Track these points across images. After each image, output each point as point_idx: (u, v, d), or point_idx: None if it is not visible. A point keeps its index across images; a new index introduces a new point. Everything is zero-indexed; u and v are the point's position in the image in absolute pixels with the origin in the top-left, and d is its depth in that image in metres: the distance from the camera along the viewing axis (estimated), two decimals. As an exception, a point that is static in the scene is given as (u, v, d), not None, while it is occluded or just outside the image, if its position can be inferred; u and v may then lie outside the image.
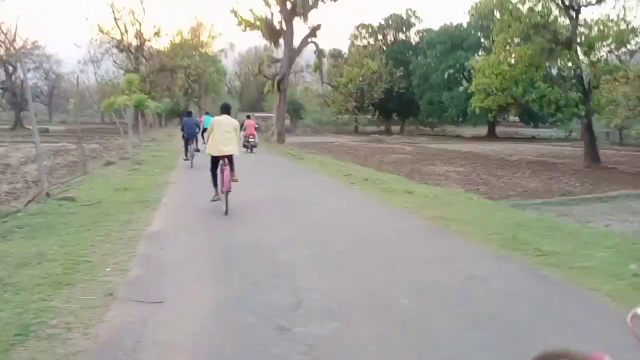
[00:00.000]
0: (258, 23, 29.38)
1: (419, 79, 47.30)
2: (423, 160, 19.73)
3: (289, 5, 28.39)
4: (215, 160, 7.83)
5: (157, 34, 50.35)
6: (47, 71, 59.83)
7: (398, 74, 50.52)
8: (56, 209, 7.21)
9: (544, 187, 13.59)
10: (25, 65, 44.51)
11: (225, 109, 8.09)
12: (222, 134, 7.59)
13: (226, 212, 7.31)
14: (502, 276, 4.48)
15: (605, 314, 3.53)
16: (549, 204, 10.77)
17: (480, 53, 40.30)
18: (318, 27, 29.25)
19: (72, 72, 51.46)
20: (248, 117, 21.84)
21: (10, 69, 47.14)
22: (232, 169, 7.70)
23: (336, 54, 53.12)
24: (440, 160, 19.96)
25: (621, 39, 20.01)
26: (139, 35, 49.31)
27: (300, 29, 61.08)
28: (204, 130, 15.16)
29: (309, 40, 29.90)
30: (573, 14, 20.84)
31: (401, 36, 55.50)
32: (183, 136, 15.68)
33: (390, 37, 55.54)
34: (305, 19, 28.71)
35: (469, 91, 25.21)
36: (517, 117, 49.05)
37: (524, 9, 21.16)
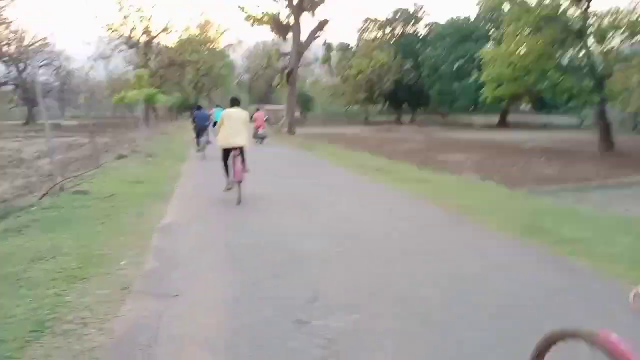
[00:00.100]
0: (266, 18, 29.29)
1: (428, 70, 46.87)
2: (435, 149, 19.50)
3: (296, 1, 28.20)
4: (226, 152, 7.89)
5: (165, 30, 50.39)
6: (57, 68, 60.19)
7: (407, 66, 50.09)
8: (70, 203, 7.21)
9: (559, 174, 13.37)
10: (36, 63, 44.89)
11: (235, 102, 8.15)
12: (232, 126, 7.69)
13: (238, 202, 7.40)
14: (524, 265, 4.37)
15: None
16: (565, 191, 10.61)
17: (489, 44, 39.85)
18: (326, 21, 29.13)
19: (81, 67, 51.67)
20: (257, 109, 22.06)
21: (22, 66, 47.50)
22: (243, 160, 7.78)
23: (344, 47, 52.69)
24: (453, 149, 19.71)
25: (634, 29, 19.73)
26: (147, 31, 49.38)
27: (308, 22, 60.70)
28: (215, 123, 15.26)
29: (317, 34, 29.76)
30: (584, 4, 20.48)
31: (409, 29, 54.93)
32: (194, 128, 15.95)
33: (398, 30, 55.00)
34: (313, 13, 28.63)
35: (479, 81, 24.96)
36: (529, 105, 48.41)
37: (533, 0, 20.90)
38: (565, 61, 23.48)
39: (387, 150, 17.87)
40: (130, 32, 48.49)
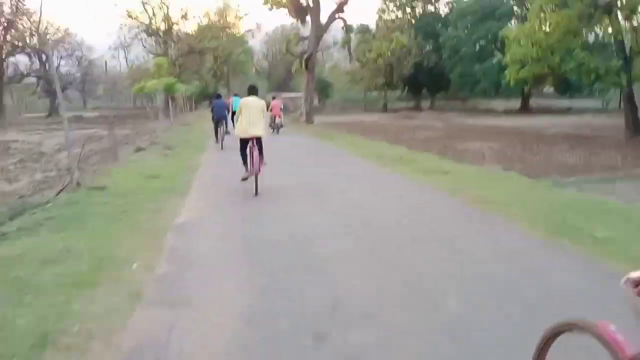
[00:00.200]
0: (284, 1, 28.86)
1: (449, 52, 45.64)
2: (455, 137, 18.97)
3: (315, -18, 27.72)
4: (244, 142, 7.86)
5: (184, 16, 50.43)
6: (79, 58, 60.85)
7: (428, 48, 49.07)
8: (86, 199, 7.12)
9: (583, 162, 12.79)
10: (56, 54, 45.39)
11: (252, 90, 8.09)
12: (250, 115, 7.63)
13: (256, 193, 7.44)
14: (558, 269, 4.05)
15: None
16: (590, 181, 10.11)
17: (513, 22, 38.61)
18: (345, 1, 28.53)
19: (101, 57, 52.14)
20: (274, 97, 21.99)
21: (44, 57, 48.04)
22: (261, 153, 7.72)
23: (364, 30, 51.79)
24: (473, 137, 19.15)
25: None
26: (166, 18, 49.49)
27: (326, 4, 59.70)
28: (234, 113, 15.19)
29: (336, 16, 29.20)
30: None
31: (430, 8, 53.64)
32: (213, 118, 15.80)
33: (418, 10, 53.75)
34: (333, -6, 28.11)
35: (503, 63, 24.13)
36: (551, 89, 46.95)
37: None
38: (592, 39, 22.49)
39: (405, 139, 17.45)
40: (150, 20, 48.67)
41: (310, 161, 12.15)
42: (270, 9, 29.32)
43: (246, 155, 7.85)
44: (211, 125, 16.53)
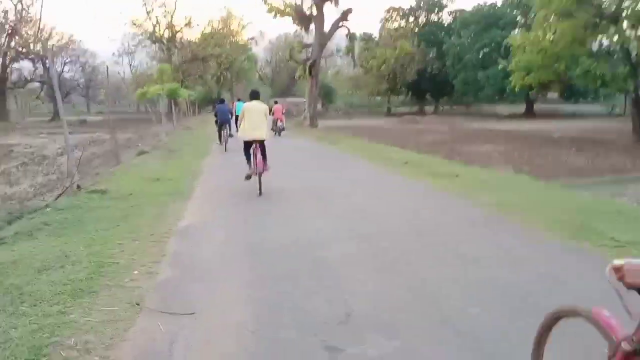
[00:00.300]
0: (288, 10, 28.89)
1: (452, 59, 45.61)
2: (461, 141, 18.75)
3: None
4: (247, 144, 8.12)
5: (187, 24, 50.53)
6: (83, 64, 61.03)
7: (431, 55, 49.08)
8: (86, 203, 6.93)
9: (591, 165, 12.58)
10: (56, 60, 45.45)
11: (255, 95, 8.29)
12: (253, 119, 7.83)
13: (260, 194, 7.60)
14: (582, 276, 3.83)
15: None
16: (600, 184, 9.93)
17: (516, 31, 38.51)
18: (349, 10, 28.56)
19: (102, 63, 52.21)
20: (275, 102, 22.86)
21: (48, 62, 48.13)
22: (264, 158, 7.88)
23: (367, 38, 51.81)
24: (479, 140, 18.93)
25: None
26: (170, 26, 49.59)
27: (330, 13, 59.85)
28: (237, 117, 15.32)
29: (340, 24, 29.17)
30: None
31: (433, 17, 53.70)
32: (216, 122, 16.37)
33: (422, 19, 53.83)
34: (337, 3, 28.14)
35: (508, 69, 23.98)
36: (555, 94, 46.74)
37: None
38: (598, 47, 22.39)
39: (411, 143, 17.26)
40: (154, 27, 48.78)
41: (314, 165, 11.94)
42: (274, 17, 29.32)
43: (250, 154, 8.06)
44: (214, 129, 16.96)
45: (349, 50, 32.45)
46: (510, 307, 3.28)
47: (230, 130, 15.95)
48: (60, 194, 7.61)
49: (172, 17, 49.17)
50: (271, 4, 28.81)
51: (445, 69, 47.45)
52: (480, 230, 5.43)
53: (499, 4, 44.92)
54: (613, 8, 19.42)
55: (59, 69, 55.91)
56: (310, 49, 30.27)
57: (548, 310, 2.11)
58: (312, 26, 29.30)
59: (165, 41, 49.86)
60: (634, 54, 20.01)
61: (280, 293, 3.60)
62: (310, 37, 31.51)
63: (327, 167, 11.46)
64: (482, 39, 42.22)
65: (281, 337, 2.90)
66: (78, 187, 7.95)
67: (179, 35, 50.75)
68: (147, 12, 47.86)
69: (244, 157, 8.30)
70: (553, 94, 48.81)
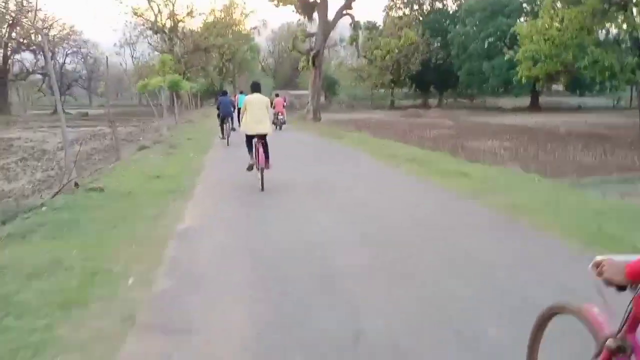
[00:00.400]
0: (291, -3, 28.47)
1: (457, 49, 44.98)
2: (466, 136, 18.44)
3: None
4: (249, 137, 8.06)
5: (189, 14, 50.08)
6: (84, 55, 60.65)
7: (435, 45, 48.51)
8: (83, 202, 6.71)
9: (599, 162, 12.29)
10: (57, 51, 45.16)
11: (256, 87, 8.24)
12: (255, 112, 7.77)
13: (262, 189, 7.55)
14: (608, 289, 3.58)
15: None
16: (609, 182, 9.65)
17: (522, 19, 37.90)
18: (354, -4, 28.02)
19: (103, 54, 51.97)
20: (277, 95, 22.88)
21: (49, 54, 47.86)
22: (267, 156, 7.75)
23: (371, 26, 51.19)
24: (484, 135, 18.60)
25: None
26: (172, 15, 49.15)
27: (334, 0, 59.25)
28: (239, 110, 15.19)
29: (344, 12, 28.70)
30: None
31: (438, 5, 53.03)
32: (218, 115, 16.18)
33: (426, 7, 53.17)
34: (340, -10, 27.65)
35: (515, 60, 23.52)
36: (561, 86, 46.19)
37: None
38: (603, 35, 21.93)
39: (415, 137, 16.98)
40: (156, 17, 48.34)
41: (317, 162, 11.67)
42: (277, 6, 28.89)
43: (252, 146, 8.03)
44: (217, 123, 16.67)
45: (353, 39, 31.94)
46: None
47: (232, 123, 15.79)
48: (57, 192, 7.40)
49: (173, 5, 48.71)
50: (274, -8, 28.42)
51: (449, 59, 46.87)
52: (497, 236, 5.17)
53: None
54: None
55: (60, 61, 55.68)
56: (313, 39, 29.84)
57: (575, 329, 1.93)
58: (316, 15, 28.85)
59: (167, 31, 49.42)
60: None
61: (284, 306, 3.38)
62: (313, 27, 31.10)
63: (332, 163, 11.26)
64: (488, 27, 41.50)
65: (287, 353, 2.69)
66: (76, 184, 7.74)
67: (180, 25, 50.32)
68: (149, 1, 47.38)
69: (246, 152, 8.24)
70: (558, 87, 48.31)
